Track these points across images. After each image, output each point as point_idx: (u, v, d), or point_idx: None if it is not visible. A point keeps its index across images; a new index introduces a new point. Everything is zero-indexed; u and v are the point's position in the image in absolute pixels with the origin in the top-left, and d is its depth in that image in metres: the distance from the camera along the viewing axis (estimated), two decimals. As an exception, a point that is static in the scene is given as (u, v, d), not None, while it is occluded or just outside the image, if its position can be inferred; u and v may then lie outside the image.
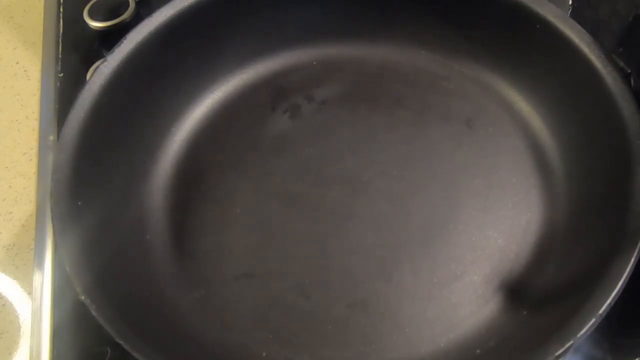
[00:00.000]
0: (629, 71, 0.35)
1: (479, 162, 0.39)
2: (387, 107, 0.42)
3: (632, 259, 0.30)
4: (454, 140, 0.40)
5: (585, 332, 0.28)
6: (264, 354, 0.33)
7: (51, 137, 0.44)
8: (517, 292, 0.34)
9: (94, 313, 0.30)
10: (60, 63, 0.46)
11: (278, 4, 0.41)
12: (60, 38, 0.47)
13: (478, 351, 0.33)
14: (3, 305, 0.38)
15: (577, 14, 0.42)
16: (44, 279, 0.38)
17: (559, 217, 0.36)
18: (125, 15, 0.47)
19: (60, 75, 0.45)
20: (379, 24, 0.43)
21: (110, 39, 0.41)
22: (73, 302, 0.36)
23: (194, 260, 0.37)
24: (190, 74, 0.41)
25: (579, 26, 0.36)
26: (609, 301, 0.29)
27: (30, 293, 0.38)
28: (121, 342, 0.29)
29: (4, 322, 0.37)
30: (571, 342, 0.28)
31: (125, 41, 0.37)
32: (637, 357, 0.33)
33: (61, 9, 0.48)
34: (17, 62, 0.49)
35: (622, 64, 0.35)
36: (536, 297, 0.34)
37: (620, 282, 0.29)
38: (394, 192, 0.38)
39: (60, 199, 0.33)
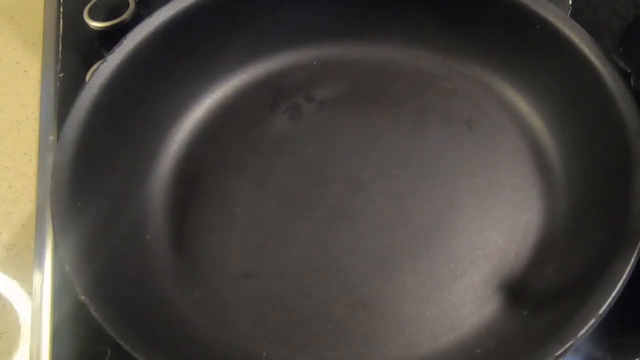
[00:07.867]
0: (629, 71, 0.35)
1: (479, 162, 0.39)
2: (387, 107, 0.42)
3: (632, 259, 0.30)
4: (454, 140, 0.40)
5: (585, 332, 0.28)
6: (264, 354, 0.33)
7: (51, 137, 0.44)
8: (517, 292, 0.34)
9: (94, 313, 0.30)
10: (60, 63, 0.46)
11: (278, 4, 0.41)
12: (60, 38, 0.47)
13: (478, 351, 0.33)
14: (3, 305, 0.38)
15: (577, 14, 0.42)
16: (44, 279, 0.38)
17: (559, 217, 0.36)
18: (125, 15, 0.47)
19: (60, 75, 0.45)
20: (379, 24, 0.43)
21: (110, 39, 0.41)
22: (73, 302, 0.36)
23: (194, 260, 0.37)
24: (190, 74, 0.41)
25: (579, 26, 0.37)
26: (609, 301, 0.29)
27: (30, 293, 0.38)
28: (121, 342, 0.29)
29: (4, 322, 0.37)
30: (571, 342, 0.28)
31: (125, 41, 0.37)
32: (637, 357, 0.33)
33: (61, 9, 0.48)
34: (17, 62, 0.49)
35: (622, 64, 0.35)
36: (536, 297, 0.34)
37: (620, 282, 0.29)
38: (394, 192, 0.38)
39: (60, 199, 0.33)
